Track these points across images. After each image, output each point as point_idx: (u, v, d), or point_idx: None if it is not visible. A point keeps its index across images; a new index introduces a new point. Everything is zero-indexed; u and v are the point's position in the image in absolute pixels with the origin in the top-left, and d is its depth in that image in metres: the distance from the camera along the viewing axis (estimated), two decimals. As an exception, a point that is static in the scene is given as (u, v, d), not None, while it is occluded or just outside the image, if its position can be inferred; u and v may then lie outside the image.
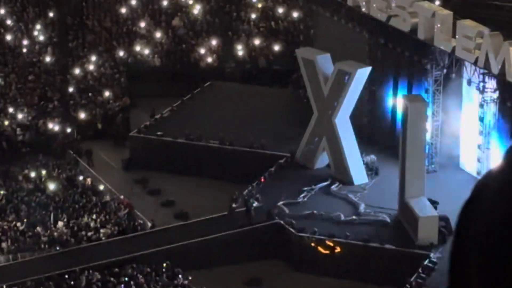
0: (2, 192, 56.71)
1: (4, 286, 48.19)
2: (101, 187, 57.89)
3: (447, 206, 47.61)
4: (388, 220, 51.95)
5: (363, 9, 57.93)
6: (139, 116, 64.48)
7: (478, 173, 51.58)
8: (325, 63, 56.48)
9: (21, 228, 53.29)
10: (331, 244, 50.95)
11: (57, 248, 51.88)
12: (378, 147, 57.87)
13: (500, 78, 50.06)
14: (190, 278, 49.57)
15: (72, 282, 48.84)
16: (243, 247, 51.69)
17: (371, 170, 55.99)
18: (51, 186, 57.43)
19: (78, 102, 66.11)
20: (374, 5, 57.04)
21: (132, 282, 48.87)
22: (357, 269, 49.47)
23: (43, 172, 58.93)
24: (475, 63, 51.27)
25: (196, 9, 74.38)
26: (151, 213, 55.24)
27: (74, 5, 74.49)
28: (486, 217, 1.73)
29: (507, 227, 1.70)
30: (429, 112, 53.14)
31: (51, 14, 73.42)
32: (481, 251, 1.77)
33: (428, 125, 53.32)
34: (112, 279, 49.03)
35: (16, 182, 57.92)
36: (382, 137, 57.83)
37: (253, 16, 74.00)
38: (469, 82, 52.55)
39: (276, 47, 70.10)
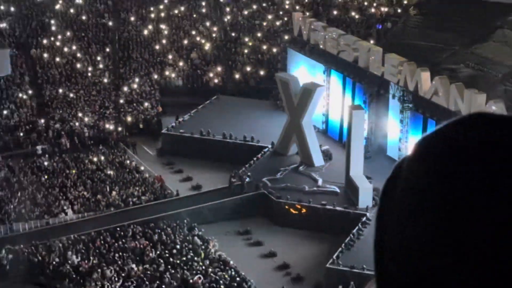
0: (74, 171, 56.64)
1: (76, 235, 48.25)
2: (142, 168, 57.86)
3: (378, 181, 47.72)
4: (338, 190, 51.98)
5: (321, 46, 57.98)
6: (168, 119, 64.41)
7: (399, 159, 51.72)
8: (295, 83, 56.45)
9: (87, 195, 53.30)
10: (299, 207, 50.97)
11: (112, 209, 51.92)
12: (332, 140, 58.02)
13: (414, 93, 50.21)
14: (203, 230, 49.60)
15: (122, 233, 48.87)
16: (238, 209, 51.76)
17: (327, 156, 55.99)
18: (107, 167, 57.47)
19: (126, 110, 66.01)
20: (329, 43, 57.12)
21: (163, 233, 48.89)
22: (316, 224, 49.42)
23: (102, 158, 58.90)
24: (398, 83, 51.40)
25: (207, 46, 74.23)
26: (176, 185, 55.26)
27: (123, 43, 74.40)
28: (399, 197, 1.56)
29: (414, 210, 1.50)
30: (366, 116, 53.17)
31: (107, 49, 73.27)
32: (394, 233, 1.56)
33: (365, 125, 53.38)
34: (149, 230, 49.07)
35: (83, 165, 57.84)
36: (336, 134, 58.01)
37: (246, 51, 73.80)
38: (393, 96, 52.64)
39: (262, 72, 69.92)
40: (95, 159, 58.71)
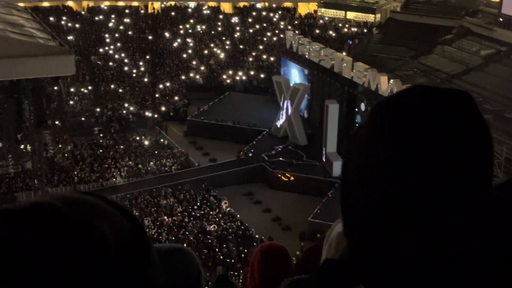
0: (122, 146, 56.63)
1: (122, 194, 48.23)
2: (172, 145, 57.81)
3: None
4: (317, 163, 51.86)
5: (306, 56, 57.82)
6: (192, 109, 64.34)
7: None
8: (286, 83, 56.37)
9: (131, 165, 53.31)
10: (288, 175, 50.96)
11: (149, 175, 51.88)
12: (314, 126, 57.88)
13: (375, 92, 50.01)
14: (217, 191, 49.62)
15: (157, 193, 48.89)
16: (244, 176, 51.65)
17: (310, 136, 55.85)
18: (146, 143, 57.43)
19: (160, 101, 65.90)
20: (312, 54, 56.95)
21: (187, 193, 48.94)
22: (302, 188, 49.35)
23: (143, 137, 58.85)
24: (363, 84, 51.22)
25: (222, 55, 74.12)
26: (197, 158, 55.22)
27: (159, 52, 74.29)
28: (359, 148, 1.53)
29: (369, 154, 1.48)
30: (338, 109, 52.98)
31: (147, 57, 73.20)
32: (355, 172, 1.54)
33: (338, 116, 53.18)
34: (177, 191, 49.11)
35: (128, 142, 57.84)
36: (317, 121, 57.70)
37: (250, 59, 73.72)
38: (360, 93, 52.40)
39: (262, 75, 69.84)
40: (137, 138, 58.70)
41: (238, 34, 78.20)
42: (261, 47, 75.40)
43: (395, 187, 1.42)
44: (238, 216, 46.05)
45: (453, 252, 1.43)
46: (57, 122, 58.42)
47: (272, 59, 71.50)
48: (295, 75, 59.99)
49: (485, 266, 1.57)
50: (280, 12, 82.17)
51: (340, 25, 77.94)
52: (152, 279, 1.31)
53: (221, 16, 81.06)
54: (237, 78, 70.44)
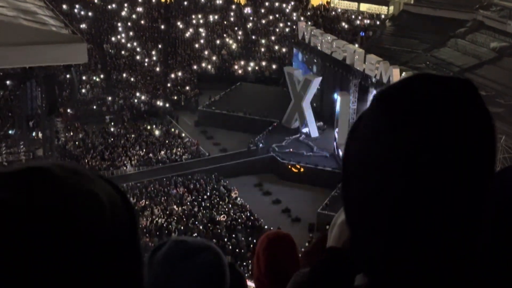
0: (133, 135, 56.73)
1: (133, 183, 48.37)
2: (183, 134, 57.89)
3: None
4: (328, 155, 51.92)
5: (318, 47, 57.63)
6: (203, 99, 64.35)
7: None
8: (298, 74, 56.28)
9: (142, 154, 53.41)
10: (299, 167, 51.01)
11: (160, 164, 51.99)
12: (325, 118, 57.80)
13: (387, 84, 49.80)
14: (227, 181, 49.68)
15: (168, 182, 49.01)
16: (254, 166, 51.77)
17: (320, 129, 55.89)
18: (157, 133, 57.52)
19: (172, 91, 65.98)
20: (324, 45, 56.76)
21: (197, 183, 49.02)
22: (311, 179, 49.41)
23: (154, 126, 58.94)
24: (375, 76, 51.05)
25: (233, 45, 74.01)
26: (208, 148, 55.27)
27: (171, 41, 74.24)
28: (355, 146, 1.48)
29: (370, 143, 1.45)
30: (350, 101, 52.93)
31: (159, 46, 73.16)
32: (356, 158, 1.49)
33: (349, 108, 53.11)
34: (187, 181, 49.21)
35: (139, 131, 57.94)
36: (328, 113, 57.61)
37: (262, 49, 73.58)
38: (372, 86, 52.26)
39: (274, 66, 69.73)
40: (148, 127, 58.80)
41: (250, 24, 78.06)
42: (273, 37, 75.25)
43: (395, 176, 1.41)
44: (248, 206, 46.11)
45: (455, 240, 1.42)
46: (69, 110, 58.56)
47: (284, 50, 71.36)
48: (306, 66, 59.87)
49: (483, 257, 1.56)
50: (292, 3, 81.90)
51: (353, 16, 77.67)
52: (139, 251, 1.35)
53: (233, 6, 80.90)
54: (249, 68, 70.39)
